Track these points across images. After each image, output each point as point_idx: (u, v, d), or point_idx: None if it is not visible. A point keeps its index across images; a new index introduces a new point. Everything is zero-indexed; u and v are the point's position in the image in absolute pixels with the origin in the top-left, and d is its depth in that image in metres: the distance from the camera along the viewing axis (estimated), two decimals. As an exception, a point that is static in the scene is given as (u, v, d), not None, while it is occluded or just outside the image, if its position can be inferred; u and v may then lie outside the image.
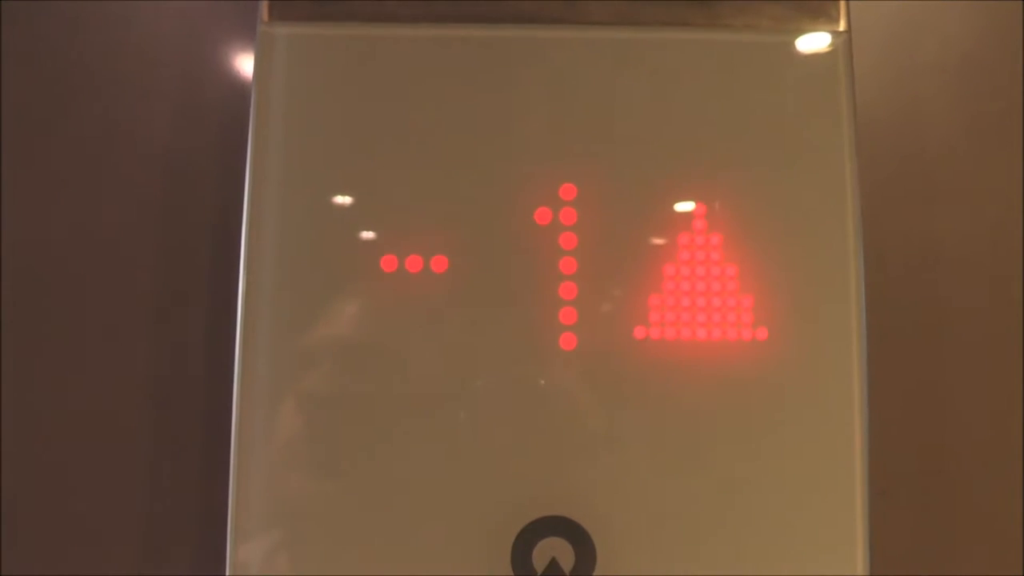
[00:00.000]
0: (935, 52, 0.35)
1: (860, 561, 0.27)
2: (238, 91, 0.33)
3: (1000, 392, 0.34)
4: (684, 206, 0.28)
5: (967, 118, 0.35)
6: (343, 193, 0.28)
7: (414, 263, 0.27)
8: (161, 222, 0.33)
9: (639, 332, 0.27)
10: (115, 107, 0.34)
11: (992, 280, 0.34)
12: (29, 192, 0.33)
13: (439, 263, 0.27)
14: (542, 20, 0.29)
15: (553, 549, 0.27)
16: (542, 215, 0.28)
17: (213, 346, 0.32)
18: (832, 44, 0.29)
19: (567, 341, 0.27)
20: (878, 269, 0.32)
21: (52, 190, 0.33)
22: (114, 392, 0.33)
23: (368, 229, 0.27)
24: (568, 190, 0.28)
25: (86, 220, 0.33)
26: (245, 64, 0.34)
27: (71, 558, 0.32)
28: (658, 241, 0.28)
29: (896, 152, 0.34)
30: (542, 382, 0.27)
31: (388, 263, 0.27)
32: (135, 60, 0.34)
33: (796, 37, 0.29)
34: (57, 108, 0.34)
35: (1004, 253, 0.34)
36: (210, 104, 0.33)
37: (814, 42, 0.29)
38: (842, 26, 0.29)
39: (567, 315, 0.27)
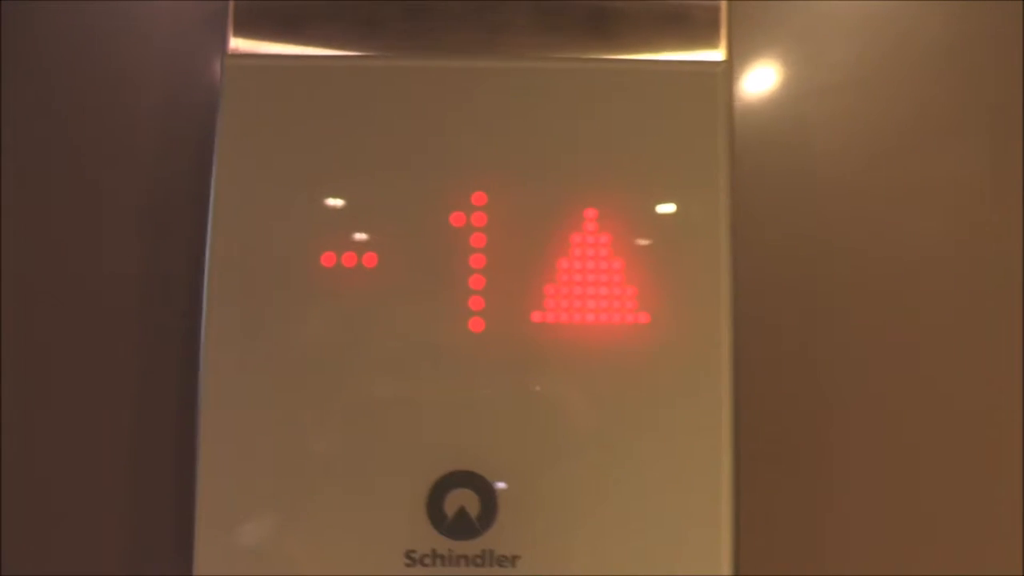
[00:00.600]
0: (823, 76, 0.40)
1: (725, 522, 0.32)
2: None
3: (867, 376, 0.38)
4: (577, 210, 0.33)
5: (853, 135, 0.40)
6: (293, 202, 0.33)
7: (349, 259, 0.33)
8: (142, 228, 0.38)
9: (536, 316, 0.32)
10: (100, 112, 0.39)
11: (868, 278, 0.39)
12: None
13: (370, 259, 0.33)
14: (461, 53, 0.34)
15: (462, 498, 0.32)
16: (457, 218, 0.33)
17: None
18: (712, 72, 0.34)
19: (476, 324, 0.32)
20: (754, 267, 0.37)
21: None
22: (94, 395, 0.37)
23: (312, 231, 0.33)
24: (479, 197, 0.33)
25: (70, 224, 0.38)
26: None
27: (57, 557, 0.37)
28: (554, 239, 0.33)
29: (783, 165, 0.39)
30: (456, 359, 0.32)
31: (328, 259, 0.33)
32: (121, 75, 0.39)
33: (681, 66, 0.34)
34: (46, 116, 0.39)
35: (880, 253, 0.39)
36: (188, 119, 0.39)
37: (697, 70, 0.34)
38: (723, 56, 0.34)
39: (476, 303, 0.32)
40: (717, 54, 0.34)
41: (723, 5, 0.34)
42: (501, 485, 0.32)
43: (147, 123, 0.39)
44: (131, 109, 0.39)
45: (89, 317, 0.38)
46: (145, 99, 0.39)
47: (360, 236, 0.33)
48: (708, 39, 0.34)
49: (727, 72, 0.34)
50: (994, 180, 0.39)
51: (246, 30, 0.34)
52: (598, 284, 0.32)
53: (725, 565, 0.32)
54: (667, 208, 0.33)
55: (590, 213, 0.33)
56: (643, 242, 0.33)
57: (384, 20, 0.34)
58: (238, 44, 0.34)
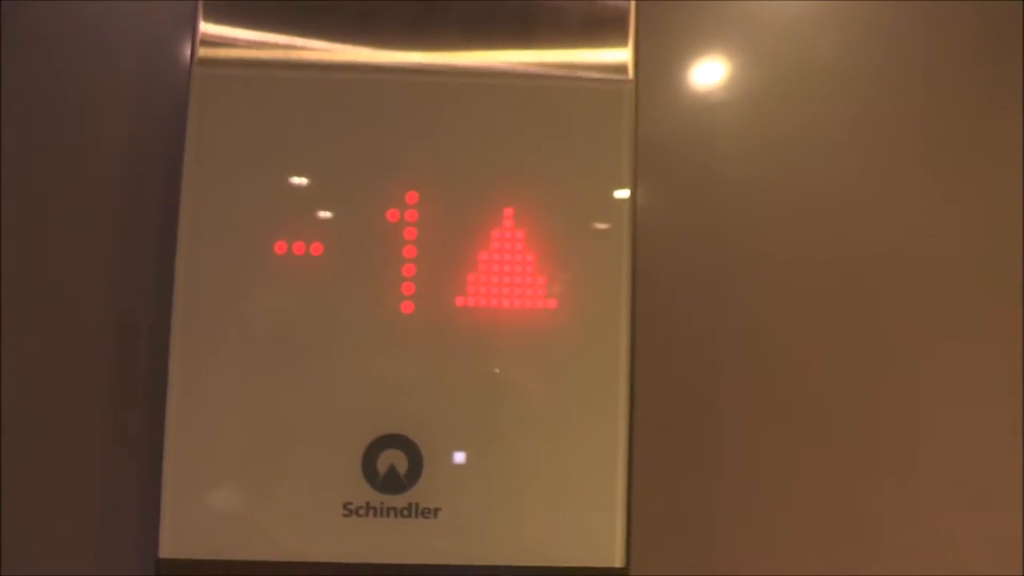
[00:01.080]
0: (726, 84, 0.45)
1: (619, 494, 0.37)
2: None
3: (756, 362, 0.43)
4: (497, 209, 0.38)
5: (754, 146, 0.45)
6: (252, 196, 0.38)
7: (299, 248, 0.37)
8: (115, 219, 0.42)
9: (459, 301, 0.37)
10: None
11: (763, 272, 0.44)
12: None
13: (317, 248, 0.37)
14: (397, 67, 0.39)
15: (392, 458, 0.37)
16: (392, 214, 0.38)
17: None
18: (620, 89, 0.39)
19: (407, 307, 0.37)
20: (653, 259, 0.42)
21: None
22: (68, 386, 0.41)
23: (267, 223, 0.37)
24: (412, 196, 0.38)
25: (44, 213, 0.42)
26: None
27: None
28: (476, 234, 0.38)
29: (688, 171, 0.44)
30: (389, 337, 0.37)
31: (281, 248, 0.38)
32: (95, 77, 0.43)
33: (592, 83, 0.39)
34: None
35: (772, 250, 0.44)
36: (160, 120, 0.43)
37: (606, 87, 0.39)
38: (630, 75, 0.39)
39: (407, 288, 0.37)
40: (625, 53, 0.38)
41: (632, 7, 0.39)
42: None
43: (119, 122, 0.43)
44: (105, 108, 0.43)
45: (63, 307, 0.42)
46: (117, 98, 0.43)
47: (308, 228, 0.37)
48: (618, 40, 0.39)
49: (632, 89, 0.39)
50: (879, 186, 0.45)
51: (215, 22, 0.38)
52: (513, 274, 0.37)
53: (619, 520, 0.37)
54: (575, 208, 0.38)
55: (508, 212, 0.38)
56: (553, 238, 0.38)
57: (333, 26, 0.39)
58: (205, 52, 0.38)
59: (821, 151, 0.45)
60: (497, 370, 0.37)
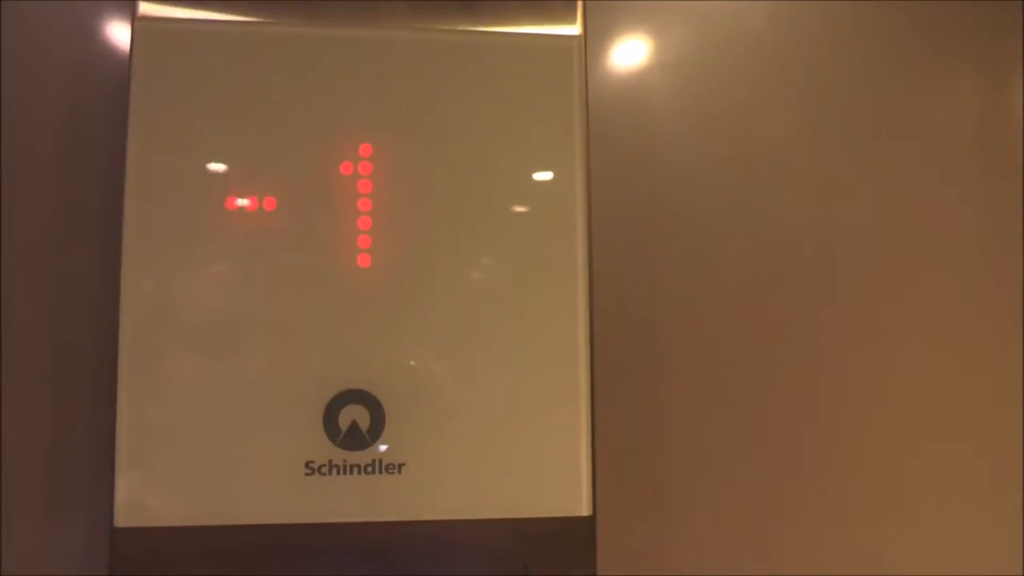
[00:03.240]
0: (663, 52, 0.46)
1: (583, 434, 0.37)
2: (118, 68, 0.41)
3: (699, 326, 0.44)
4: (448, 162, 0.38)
5: (690, 110, 0.46)
6: (202, 153, 0.37)
7: (251, 203, 0.37)
8: (56, 181, 0.41)
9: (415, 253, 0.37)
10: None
11: (703, 235, 0.45)
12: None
13: (269, 203, 0.37)
14: (349, 23, 0.38)
15: (354, 413, 0.36)
16: (346, 167, 0.37)
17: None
18: (568, 44, 0.39)
19: (363, 260, 0.37)
20: (602, 220, 0.42)
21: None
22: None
23: (217, 178, 0.37)
24: (366, 148, 0.37)
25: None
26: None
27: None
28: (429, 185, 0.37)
29: (625, 133, 0.45)
30: (347, 291, 0.36)
31: (231, 203, 0.37)
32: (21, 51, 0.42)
33: (538, 39, 0.39)
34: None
35: (710, 213, 0.45)
36: (99, 80, 0.42)
37: (554, 43, 0.39)
38: (578, 30, 0.39)
39: (363, 241, 0.37)
40: (574, 29, 0.39)
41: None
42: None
43: (59, 77, 0.41)
44: (46, 66, 0.41)
45: (4, 270, 0.40)
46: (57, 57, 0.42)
47: (260, 183, 0.36)
48: (566, 16, 0.39)
49: (581, 45, 0.39)
50: (808, 151, 0.46)
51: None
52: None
53: (584, 468, 0.37)
54: (523, 164, 0.38)
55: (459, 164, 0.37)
56: (505, 190, 0.37)
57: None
58: (146, 8, 0.37)
59: (758, 114, 0.45)
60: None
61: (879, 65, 0.46)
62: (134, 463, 0.35)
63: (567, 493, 0.36)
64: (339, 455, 0.36)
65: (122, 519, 0.35)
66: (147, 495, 0.35)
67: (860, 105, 0.46)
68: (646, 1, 0.45)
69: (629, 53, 0.45)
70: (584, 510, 0.36)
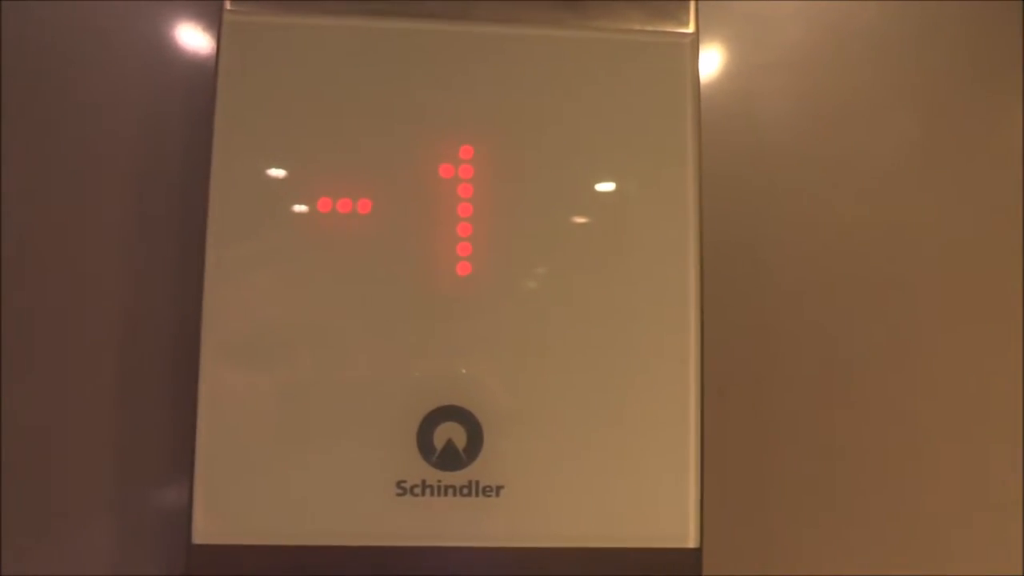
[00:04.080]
0: (775, 52, 0.43)
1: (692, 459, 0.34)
2: (202, 70, 0.40)
3: (809, 326, 0.42)
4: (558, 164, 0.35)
5: (802, 113, 0.43)
6: (291, 150, 0.35)
7: (345, 205, 0.35)
8: (134, 189, 0.39)
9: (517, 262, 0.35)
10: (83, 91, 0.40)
11: (808, 237, 0.42)
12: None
13: (364, 206, 0.35)
14: (448, 18, 0.36)
15: (449, 431, 0.34)
16: (446, 170, 0.35)
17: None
18: (682, 42, 0.37)
19: (463, 268, 0.35)
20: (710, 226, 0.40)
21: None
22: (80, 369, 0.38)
23: (309, 178, 0.35)
24: (467, 151, 0.35)
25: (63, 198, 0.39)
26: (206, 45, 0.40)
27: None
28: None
29: (736, 138, 0.42)
30: (444, 301, 0.34)
31: (324, 205, 0.35)
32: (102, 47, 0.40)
33: (650, 38, 0.37)
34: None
35: (817, 215, 0.42)
36: (176, 83, 0.40)
37: (667, 40, 0.37)
38: (691, 28, 0.37)
39: (463, 248, 0.35)
40: (687, 28, 0.37)
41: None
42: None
43: (139, 77, 0.40)
44: (125, 66, 0.40)
45: (80, 272, 0.39)
46: (137, 58, 0.40)
47: (355, 184, 0.34)
48: (678, 15, 0.37)
49: (695, 43, 0.37)
50: (919, 154, 0.43)
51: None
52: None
53: (693, 497, 0.34)
54: (634, 171, 0.36)
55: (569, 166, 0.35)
56: (616, 196, 0.35)
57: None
58: (234, 3, 0.36)
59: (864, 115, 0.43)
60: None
61: (994, 66, 0.43)
62: (214, 477, 0.33)
63: (674, 523, 0.34)
64: (433, 475, 0.34)
65: (200, 535, 0.33)
66: (227, 511, 0.33)
67: (975, 106, 0.43)
68: (754, 1, 0.43)
69: (738, 52, 0.43)
70: (691, 542, 0.34)
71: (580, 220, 0.35)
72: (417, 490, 0.33)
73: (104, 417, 0.38)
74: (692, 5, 0.37)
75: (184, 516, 0.33)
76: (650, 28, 0.36)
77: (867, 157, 0.43)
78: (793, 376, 0.41)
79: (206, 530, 0.33)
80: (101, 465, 0.38)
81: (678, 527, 0.34)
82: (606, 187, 0.35)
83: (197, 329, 0.33)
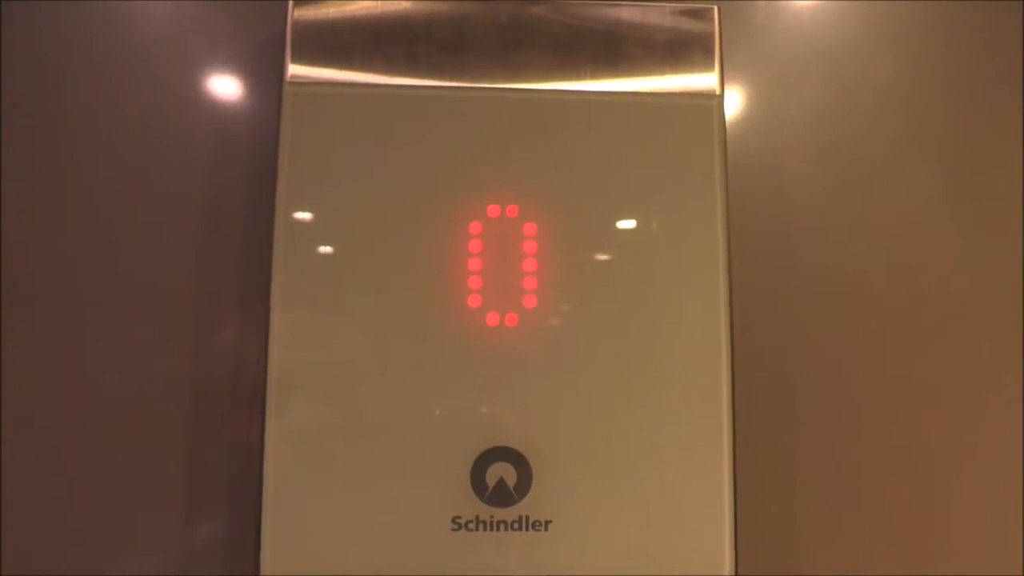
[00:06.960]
0: (796, 108, 0.46)
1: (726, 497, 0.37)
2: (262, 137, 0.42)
3: (835, 372, 0.44)
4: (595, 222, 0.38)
5: (826, 168, 0.46)
6: (346, 211, 0.38)
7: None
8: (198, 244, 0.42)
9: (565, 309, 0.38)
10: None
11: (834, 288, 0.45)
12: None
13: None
14: (490, 81, 0.39)
15: (501, 470, 0.37)
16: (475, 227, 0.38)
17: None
18: (709, 104, 0.40)
19: (511, 319, 0.38)
20: (742, 268, 0.43)
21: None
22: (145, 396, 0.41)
23: (365, 238, 0.38)
24: (512, 210, 0.38)
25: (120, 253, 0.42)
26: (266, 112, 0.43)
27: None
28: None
29: (760, 193, 0.45)
30: (496, 348, 0.37)
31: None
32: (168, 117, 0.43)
33: (681, 99, 0.40)
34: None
35: (843, 267, 0.45)
36: (240, 150, 0.43)
37: (695, 103, 0.40)
38: (717, 91, 0.40)
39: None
40: (713, 78, 0.39)
41: (716, 27, 0.40)
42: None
43: (204, 141, 0.43)
44: (191, 131, 0.43)
45: (144, 326, 0.42)
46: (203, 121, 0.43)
47: (407, 239, 0.37)
48: (705, 69, 0.40)
49: (720, 104, 0.40)
50: (943, 205, 0.46)
51: (302, 58, 0.39)
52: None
53: (727, 527, 0.37)
54: (664, 229, 0.38)
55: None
56: (647, 254, 0.38)
57: (420, 54, 0.39)
58: (296, 71, 0.39)
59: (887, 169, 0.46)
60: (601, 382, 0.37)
61: (1012, 118, 0.46)
62: (282, 510, 0.36)
63: (709, 553, 0.37)
64: (486, 511, 0.36)
65: (268, 567, 0.36)
66: (295, 544, 0.36)
67: (998, 160, 0.45)
68: (775, 57, 0.45)
69: (760, 108, 0.46)
70: (727, 569, 0.37)
71: (620, 270, 0.38)
72: (471, 525, 0.36)
73: (174, 454, 0.41)
74: (717, 68, 0.40)
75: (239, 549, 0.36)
76: (677, 82, 0.39)
77: (894, 213, 0.45)
78: (819, 416, 0.43)
79: (275, 563, 0.36)
80: (167, 500, 0.40)
81: (714, 556, 0.37)
82: (641, 238, 0.38)
83: (254, 375, 0.36)
